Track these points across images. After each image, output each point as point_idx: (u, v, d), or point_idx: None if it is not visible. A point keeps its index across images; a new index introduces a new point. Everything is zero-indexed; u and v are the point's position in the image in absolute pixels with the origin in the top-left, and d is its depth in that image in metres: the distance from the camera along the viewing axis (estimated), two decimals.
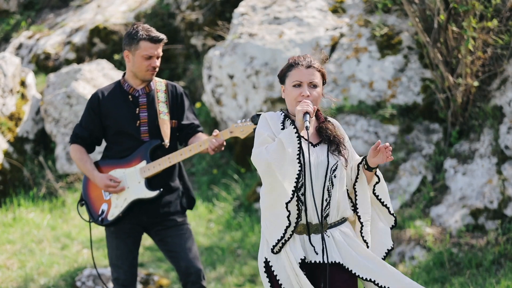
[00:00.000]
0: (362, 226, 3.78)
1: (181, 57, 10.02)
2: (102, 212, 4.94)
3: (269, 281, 3.69)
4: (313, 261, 3.69)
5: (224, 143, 4.82)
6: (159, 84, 4.99)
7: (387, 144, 3.74)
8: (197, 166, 8.69)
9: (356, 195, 3.78)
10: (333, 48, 8.20)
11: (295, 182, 3.57)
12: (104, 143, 5.09)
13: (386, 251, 3.84)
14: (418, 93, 7.65)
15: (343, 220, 3.77)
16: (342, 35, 8.25)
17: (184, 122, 5.00)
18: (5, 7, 12.33)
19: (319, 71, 3.79)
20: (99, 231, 7.09)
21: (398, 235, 6.67)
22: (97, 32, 10.36)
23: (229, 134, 4.82)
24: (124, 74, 5.00)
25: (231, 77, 8.34)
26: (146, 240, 6.99)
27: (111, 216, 4.90)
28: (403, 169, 7.23)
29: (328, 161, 3.71)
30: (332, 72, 7.96)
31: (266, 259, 3.70)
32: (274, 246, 3.64)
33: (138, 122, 4.90)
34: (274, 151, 3.60)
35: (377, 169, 3.82)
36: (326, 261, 3.63)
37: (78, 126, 4.99)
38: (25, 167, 8.37)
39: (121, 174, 4.91)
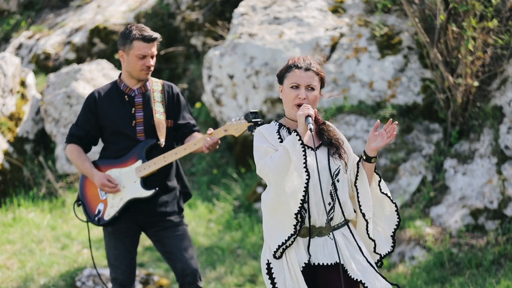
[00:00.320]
0: (368, 223, 3.79)
1: (181, 57, 10.02)
2: (99, 212, 4.95)
3: (271, 283, 3.70)
4: (316, 263, 3.70)
5: (219, 142, 4.83)
6: (156, 84, 5.01)
7: (391, 120, 3.75)
8: (197, 166, 8.69)
9: (358, 193, 3.78)
10: (333, 48, 8.20)
11: (303, 191, 3.59)
12: (101, 143, 5.11)
13: (382, 256, 3.86)
14: (418, 93, 7.65)
15: (346, 222, 3.78)
16: (342, 35, 8.25)
17: (180, 121, 5.01)
18: (5, 7, 12.33)
19: (318, 74, 3.80)
20: (99, 231, 7.09)
21: (398, 235, 6.68)
22: (97, 32, 10.36)
23: (224, 133, 4.83)
24: (121, 74, 5.01)
25: (231, 77, 8.34)
26: (146, 240, 6.99)
27: (107, 216, 4.92)
28: (403, 169, 7.23)
29: (329, 166, 3.71)
30: (332, 72, 7.96)
31: (268, 261, 3.72)
32: (275, 251, 3.66)
33: (134, 122, 4.91)
34: (280, 159, 3.61)
35: (376, 169, 3.83)
36: (339, 261, 3.64)
37: (74, 126, 5.01)
38: (25, 167, 8.37)
39: (117, 173, 4.93)
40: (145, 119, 4.92)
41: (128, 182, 4.91)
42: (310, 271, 3.71)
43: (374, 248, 3.83)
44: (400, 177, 7.20)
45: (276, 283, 3.67)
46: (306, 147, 3.66)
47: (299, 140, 3.61)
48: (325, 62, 8.04)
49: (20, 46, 10.92)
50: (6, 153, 8.25)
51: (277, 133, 3.77)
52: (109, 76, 8.83)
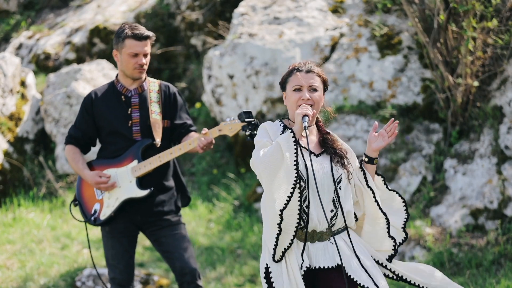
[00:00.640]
0: (389, 222, 3.79)
1: (181, 57, 10.02)
2: (95, 211, 4.96)
3: (268, 287, 3.70)
4: (317, 267, 3.70)
5: (213, 141, 4.84)
6: (152, 85, 5.01)
7: (392, 119, 3.76)
8: (197, 166, 8.69)
9: (374, 193, 3.77)
10: (333, 48, 8.20)
11: (292, 188, 3.57)
12: (99, 144, 5.12)
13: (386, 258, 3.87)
14: (418, 93, 7.65)
15: (346, 228, 3.78)
16: (342, 35, 8.25)
17: (177, 121, 5.01)
18: (5, 7, 12.33)
19: (320, 76, 3.80)
20: (99, 231, 7.08)
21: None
22: (97, 32, 10.37)
23: (218, 132, 4.84)
24: (118, 74, 5.02)
25: (231, 77, 8.34)
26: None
27: (103, 216, 4.93)
28: (403, 169, 7.23)
29: (332, 173, 3.72)
30: (332, 72, 7.96)
31: (267, 265, 3.72)
32: (274, 255, 3.65)
33: (130, 122, 4.92)
34: (271, 153, 3.59)
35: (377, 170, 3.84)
36: (341, 263, 3.64)
37: (72, 127, 5.04)
38: (25, 167, 8.37)
39: (114, 173, 4.94)
40: (141, 119, 4.93)
41: (124, 182, 4.92)
42: (311, 275, 3.70)
43: (394, 246, 3.82)
44: (400, 177, 7.20)
45: (274, 287, 3.67)
46: (301, 148, 3.66)
47: (292, 137, 3.60)
48: (324, 63, 8.06)
49: (20, 46, 10.92)
50: (6, 153, 8.25)
51: (282, 133, 3.77)
52: (109, 76, 8.83)
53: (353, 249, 3.73)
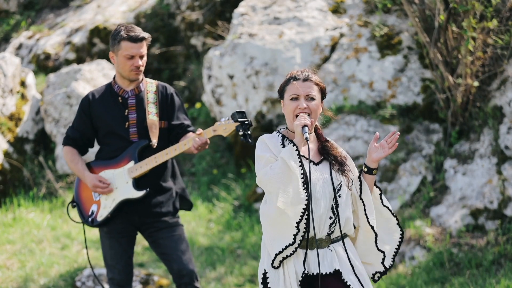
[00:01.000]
0: (377, 235, 3.82)
1: (181, 57, 10.02)
2: (92, 213, 4.98)
3: None
4: (315, 273, 3.71)
5: (208, 142, 4.84)
6: (150, 86, 5.02)
7: (394, 131, 3.77)
8: (197, 166, 8.69)
9: (364, 206, 3.80)
10: (333, 48, 8.20)
11: (305, 202, 3.60)
12: (97, 145, 5.13)
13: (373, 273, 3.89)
14: (418, 93, 7.65)
15: (342, 237, 3.79)
16: (342, 35, 8.25)
17: (174, 122, 5.02)
18: (5, 7, 12.33)
19: (317, 84, 3.80)
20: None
21: None
22: (97, 32, 10.37)
23: (213, 133, 4.84)
24: (115, 75, 5.03)
25: (231, 77, 8.34)
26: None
27: (100, 217, 4.94)
28: (403, 169, 7.23)
29: (332, 180, 3.72)
30: (332, 72, 7.96)
31: (265, 270, 3.74)
32: (273, 260, 3.67)
33: (127, 123, 4.93)
34: (280, 169, 3.62)
35: (376, 182, 3.84)
36: (319, 272, 3.67)
37: (70, 128, 5.05)
38: (25, 167, 8.37)
39: (110, 175, 4.95)
40: (138, 121, 4.93)
41: (121, 183, 4.92)
42: (308, 282, 3.72)
43: (383, 259, 3.85)
44: (400, 177, 7.20)
45: None
46: (304, 158, 3.68)
47: (295, 150, 3.63)
48: (323, 63, 8.06)
49: (20, 46, 10.92)
50: (6, 153, 8.25)
51: (281, 145, 3.78)
52: (109, 76, 8.83)
53: (348, 257, 3.75)
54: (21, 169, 8.31)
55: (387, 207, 3.87)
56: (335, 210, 3.71)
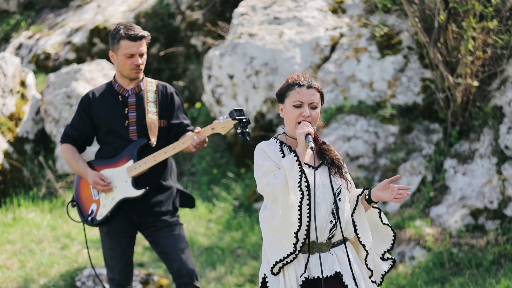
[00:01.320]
0: (367, 254, 3.82)
1: (181, 57, 10.02)
2: (92, 212, 4.98)
3: None
4: (315, 277, 3.71)
5: (206, 140, 4.84)
6: (150, 85, 5.03)
7: (408, 186, 3.79)
8: (197, 166, 8.69)
9: (355, 225, 3.80)
10: (333, 48, 8.20)
11: (298, 210, 3.60)
12: (96, 144, 5.13)
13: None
14: (418, 93, 7.65)
15: (344, 241, 3.79)
16: (342, 35, 8.25)
17: (174, 121, 5.02)
18: (5, 7, 12.33)
19: (319, 91, 3.79)
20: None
21: (398, 235, 6.68)
22: (97, 32, 10.37)
23: (211, 131, 4.84)
24: (115, 75, 5.03)
25: (231, 77, 8.34)
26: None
27: (99, 216, 4.94)
28: (403, 169, 7.23)
29: (332, 185, 3.72)
30: (332, 72, 7.96)
31: (265, 275, 3.74)
32: (273, 267, 3.67)
33: (127, 122, 4.94)
34: (281, 180, 3.62)
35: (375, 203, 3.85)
36: (322, 276, 3.68)
37: (69, 126, 5.05)
38: (25, 167, 8.38)
39: (110, 174, 4.96)
40: (137, 119, 4.94)
41: (120, 182, 4.93)
42: (309, 286, 3.71)
43: (370, 276, 3.85)
44: (400, 177, 7.20)
45: None
46: (306, 165, 3.67)
47: (296, 160, 3.62)
48: (323, 63, 8.06)
49: (20, 46, 10.92)
50: (6, 153, 8.25)
51: (280, 151, 3.76)
52: (109, 76, 8.83)
53: (349, 260, 3.75)
54: (21, 169, 8.31)
55: (388, 225, 3.89)
56: (335, 214, 3.71)
